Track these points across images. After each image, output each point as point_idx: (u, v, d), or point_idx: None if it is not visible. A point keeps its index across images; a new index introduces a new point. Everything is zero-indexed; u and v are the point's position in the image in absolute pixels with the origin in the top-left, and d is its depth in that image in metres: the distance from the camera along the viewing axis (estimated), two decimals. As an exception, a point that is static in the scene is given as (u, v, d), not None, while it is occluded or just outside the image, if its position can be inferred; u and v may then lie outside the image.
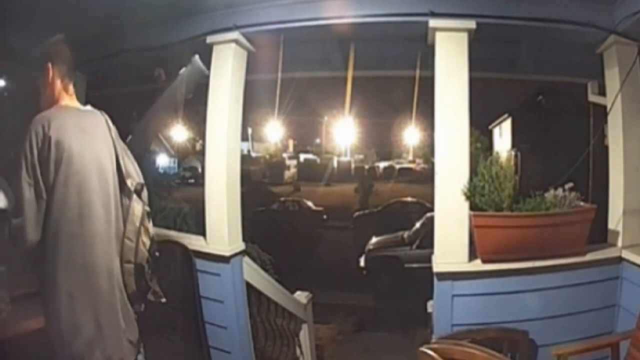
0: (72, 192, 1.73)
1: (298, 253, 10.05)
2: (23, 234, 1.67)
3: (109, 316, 1.77)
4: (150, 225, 1.94)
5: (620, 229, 2.60)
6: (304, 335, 3.87)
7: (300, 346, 3.78)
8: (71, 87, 1.90)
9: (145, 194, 1.97)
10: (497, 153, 2.72)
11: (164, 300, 1.93)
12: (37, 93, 1.86)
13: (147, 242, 1.90)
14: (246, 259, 2.98)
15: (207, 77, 2.81)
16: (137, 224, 1.87)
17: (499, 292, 2.53)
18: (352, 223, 15.17)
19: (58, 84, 1.85)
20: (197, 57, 2.64)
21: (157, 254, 1.95)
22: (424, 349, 1.91)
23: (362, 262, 9.87)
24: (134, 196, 1.89)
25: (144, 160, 2.06)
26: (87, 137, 1.81)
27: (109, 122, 1.95)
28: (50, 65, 1.83)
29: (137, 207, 1.89)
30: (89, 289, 1.74)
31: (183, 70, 2.66)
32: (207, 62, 2.89)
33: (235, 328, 2.83)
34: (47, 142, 1.69)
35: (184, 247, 2.81)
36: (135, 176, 1.97)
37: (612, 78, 2.66)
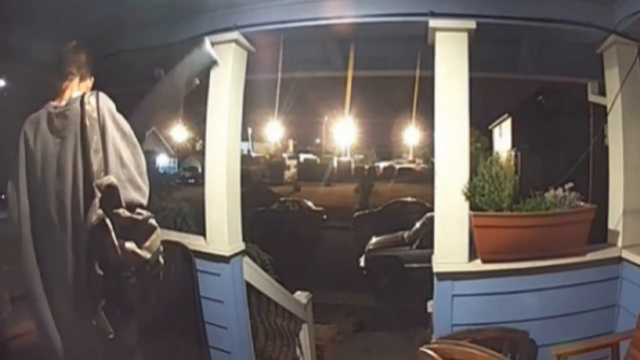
0: (33, 199, 1.72)
1: (298, 253, 10.04)
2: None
3: (74, 327, 1.68)
4: (129, 243, 1.61)
5: (620, 229, 2.60)
6: (304, 335, 3.87)
7: (300, 346, 3.78)
8: (72, 84, 1.82)
9: (122, 195, 1.63)
10: (497, 153, 2.71)
11: (111, 336, 1.61)
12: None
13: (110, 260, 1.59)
14: (246, 259, 2.98)
15: (215, 64, 2.60)
16: (85, 239, 1.58)
17: (499, 292, 2.53)
18: (352, 223, 15.19)
19: (59, 84, 1.82)
20: (207, 40, 2.42)
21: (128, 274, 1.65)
22: (424, 349, 1.91)
23: (362, 262, 9.87)
24: (94, 202, 1.58)
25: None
26: (54, 140, 1.71)
27: (90, 110, 1.69)
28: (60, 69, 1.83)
29: (91, 216, 1.57)
30: (53, 296, 1.71)
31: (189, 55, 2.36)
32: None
33: (235, 328, 2.83)
34: (23, 147, 1.73)
35: (184, 247, 2.81)
36: (120, 170, 1.68)
37: (612, 78, 2.66)
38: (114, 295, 1.64)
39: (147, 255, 1.67)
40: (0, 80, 3.66)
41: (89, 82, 1.89)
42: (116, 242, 1.58)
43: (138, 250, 1.64)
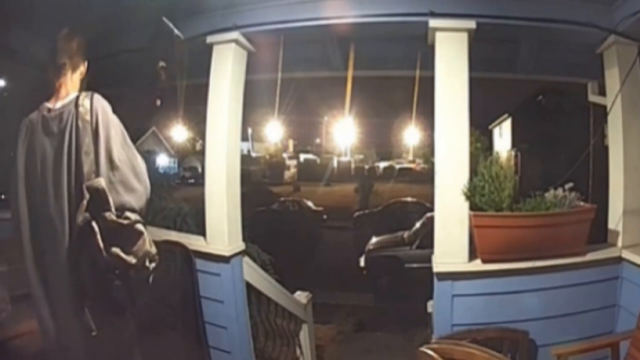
0: (32, 200, 1.73)
1: (298, 253, 10.05)
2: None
3: (72, 326, 1.70)
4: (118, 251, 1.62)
5: (620, 229, 2.60)
6: (304, 335, 3.87)
7: (300, 346, 3.78)
8: (66, 79, 1.81)
9: (112, 198, 1.65)
10: (497, 153, 2.72)
11: (93, 333, 1.66)
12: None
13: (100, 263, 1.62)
14: (246, 259, 2.98)
15: (181, 42, 2.47)
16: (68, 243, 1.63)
17: (499, 292, 2.53)
18: (352, 223, 15.19)
19: (53, 80, 1.82)
20: (164, 19, 2.31)
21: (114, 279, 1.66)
22: (424, 349, 1.92)
23: (362, 262, 9.87)
24: (82, 204, 1.61)
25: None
26: (50, 142, 1.72)
27: (84, 113, 1.71)
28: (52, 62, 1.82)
29: (77, 218, 1.61)
30: (51, 295, 1.72)
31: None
32: (207, 62, 2.89)
33: (235, 328, 2.83)
34: (21, 150, 1.74)
35: (184, 247, 2.81)
36: (111, 172, 1.70)
37: (612, 78, 2.66)
38: (101, 295, 1.66)
39: (133, 260, 1.65)
40: (0, 80, 3.66)
41: (82, 69, 1.88)
42: (101, 245, 1.59)
43: (123, 255, 1.64)
